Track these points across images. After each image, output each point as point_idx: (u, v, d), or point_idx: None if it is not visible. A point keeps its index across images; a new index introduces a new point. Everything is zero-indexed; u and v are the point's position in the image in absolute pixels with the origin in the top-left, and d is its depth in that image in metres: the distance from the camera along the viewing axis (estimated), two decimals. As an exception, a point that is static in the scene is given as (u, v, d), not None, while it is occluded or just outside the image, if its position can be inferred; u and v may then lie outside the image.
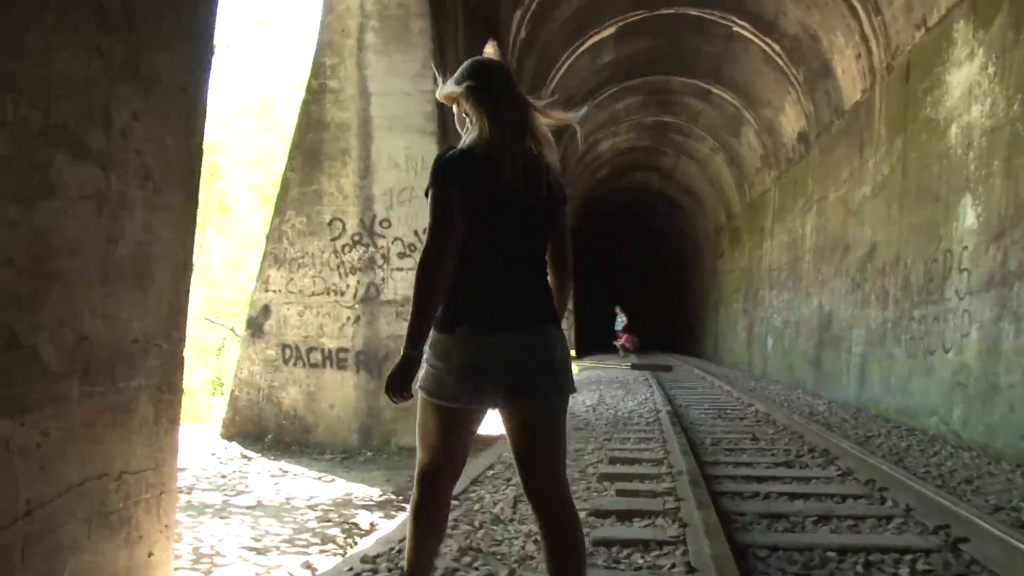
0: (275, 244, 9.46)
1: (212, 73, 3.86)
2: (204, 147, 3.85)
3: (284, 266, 9.39)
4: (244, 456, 8.28)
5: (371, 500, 6.57)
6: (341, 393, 9.28)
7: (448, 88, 2.78)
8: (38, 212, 2.76)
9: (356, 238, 9.28)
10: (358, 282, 9.26)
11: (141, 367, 3.31)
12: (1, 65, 2.59)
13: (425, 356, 2.63)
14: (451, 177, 2.61)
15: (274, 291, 9.42)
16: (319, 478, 7.40)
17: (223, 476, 7.26)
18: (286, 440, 9.09)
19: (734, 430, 8.97)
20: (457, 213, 2.59)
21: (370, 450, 8.89)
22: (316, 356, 9.36)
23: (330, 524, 5.73)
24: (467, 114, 2.74)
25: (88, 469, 3.00)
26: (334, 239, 9.29)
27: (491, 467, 6.90)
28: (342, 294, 9.28)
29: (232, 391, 9.43)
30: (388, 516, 6.00)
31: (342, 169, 9.24)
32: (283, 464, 7.99)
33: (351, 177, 9.20)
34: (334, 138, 9.19)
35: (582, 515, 4.87)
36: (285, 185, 9.50)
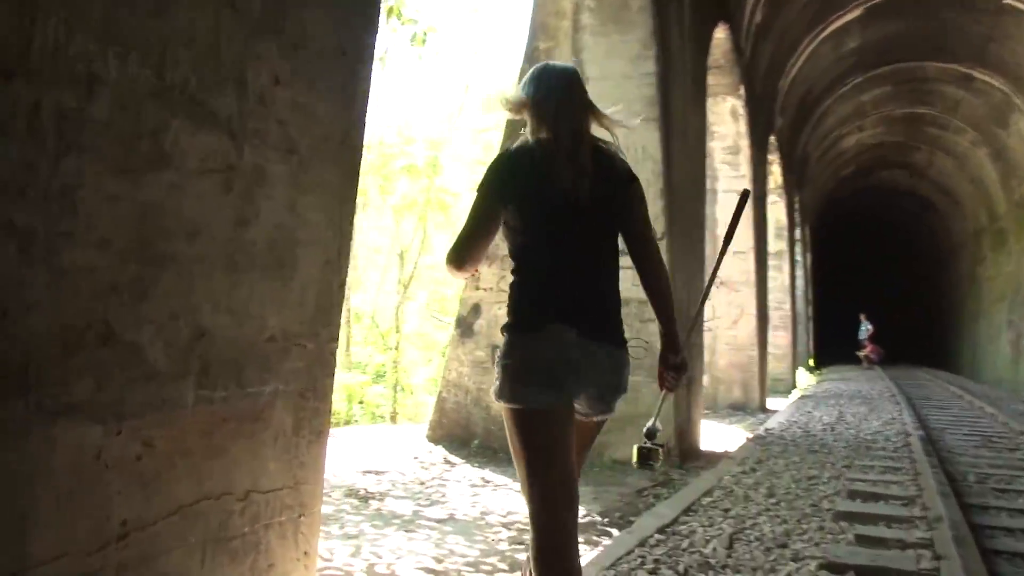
0: (486, 240, 9.05)
1: (377, 35, 3.39)
2: (368, 120, 3.38)
3: (496, 263, 8.93)
4: (447, 462, 7.93)
5: (572, 520, 5.95)
6: (551, 400, 8.73)
7: (510, 94, 2.82)
8: (147, 186, 2.34)
9: (569, 233, 8.69)
10: (570, 281, 8.67)
11: (278, 370, 2.86)
12: (101, 14, 2.18)
13: (496, 361, 2.69)
14: (495, 183, 2.67)
15: (485, 289, 9.02)
16: (520, 491, 6.88)
17: (421, 483, 6.90)
18: (493, 447, 8.64)
19: (1004, 464, 7.60)
20: (486, 221, 2.70)
21: (580, 462, 8.27)
22: (526, 359, 8.86)
23: (521, 547, 5.16)
24: (527, 120, 2.74)
25: (204, 486, 2.57)
26: (546, 235, 8.76)
27: (708, 492, 6.12)
28: (552, 294, 8.73)
29: (440, 392, 9.13)
30: (588, 542, 5.34)
31: (555, 161, 8.69)
32: (486, 473, 7.55)
33: (564, 169, 8.64)
34: (547, 128, 8.66)
35: (812, 565, 4.05)
36: (497, 179, 9.09)
